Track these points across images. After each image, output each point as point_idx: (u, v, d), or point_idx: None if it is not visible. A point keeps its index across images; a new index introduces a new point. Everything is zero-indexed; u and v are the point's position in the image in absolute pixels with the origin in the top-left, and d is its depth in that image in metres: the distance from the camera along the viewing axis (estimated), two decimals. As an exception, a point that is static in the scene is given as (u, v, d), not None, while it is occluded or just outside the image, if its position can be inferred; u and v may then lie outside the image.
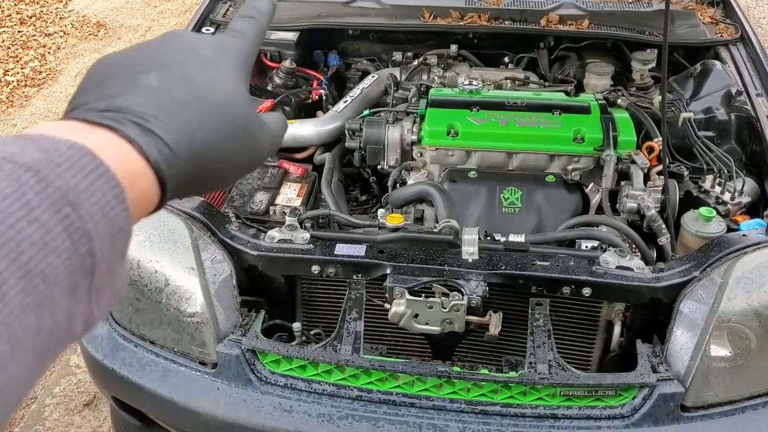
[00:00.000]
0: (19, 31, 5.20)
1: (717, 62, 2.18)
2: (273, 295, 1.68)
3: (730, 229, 1.66)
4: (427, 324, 1.51)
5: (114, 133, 0.45)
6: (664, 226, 1.68)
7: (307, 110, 2.28)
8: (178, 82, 0.49)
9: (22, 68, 4.78)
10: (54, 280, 0.38)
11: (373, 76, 2.32)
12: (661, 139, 1.86)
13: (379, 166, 2.03)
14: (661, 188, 1.77)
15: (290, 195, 1.87)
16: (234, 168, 0.53)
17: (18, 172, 0.38)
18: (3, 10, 5.39)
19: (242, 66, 0.55)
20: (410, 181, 1.94)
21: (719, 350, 1.42)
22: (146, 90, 0.48)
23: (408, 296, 1.49)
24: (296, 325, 1.62)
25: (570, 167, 1.89)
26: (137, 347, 1.62)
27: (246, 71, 0.55)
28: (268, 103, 2.13)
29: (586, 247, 1.67)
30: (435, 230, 1.62)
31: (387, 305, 1.53)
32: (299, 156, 2.10)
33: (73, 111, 0.48)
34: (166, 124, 0.47)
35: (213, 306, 1.53)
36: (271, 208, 1.81)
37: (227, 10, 2.51)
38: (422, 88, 2.14)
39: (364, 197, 2.18)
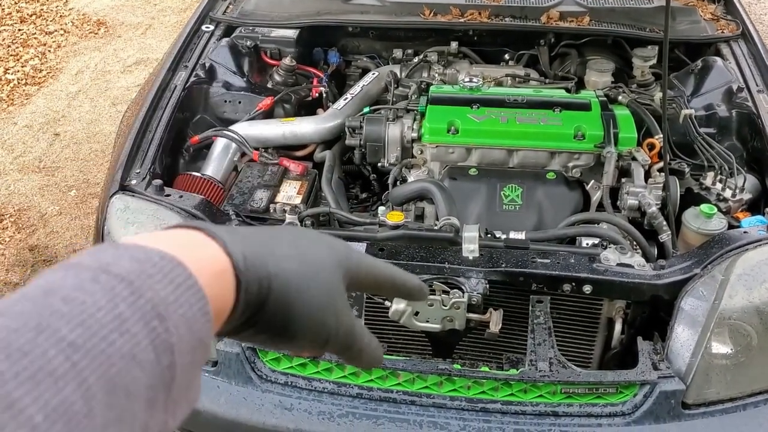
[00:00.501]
0: (19, 30, 5.20)
1: (718, 59, 2.18)
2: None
3: (731, 226, 1.65)
4: (427, 322, 1.51)
5: (201, 233, 0.47)
6: (665, 223, 1.68)
7: (307, 108, 2.27)
8: (285, 239, 0.52)
9: (22, 66, 4.77)
10: (136, 394, 0.38)
11: (373, 74, 2.31)
12: (661, 136, 1.85)
13: (379, 164, 2.03)
14: (661, 185, 1.77)
15: (290, 193, 1.87)
16: (303, 320, 0.51)
17: (112, 283, 0.39)
18: (3, 8, 5.39)
19: (342, 266, 0.54)
20: (410, 179, 1.93)
21: (720, 347, 1.41)
22: (259, 233, 0.51)
23: (408, 294, 1.48)
24: (297, 323, 1.62)
25: (570, 164, 1.88)
26: (137, 345, 1.62)
27: (343, 279, 0.54)
28: (268, 100, 2.13)
29: (587, 244, 1.67)
30: (435, 228, 1.62)
31: (387, 303, 1.53)
32: (299, 154, 2.10)
33: None
34: (252, 239, 0.50)
35: (213, 304, 1.52)
36: (271, 205, 1.81)
37: (227, 7, 2.51)
38: (422, 86, 2.13)
39: (364, 195, 2.17)
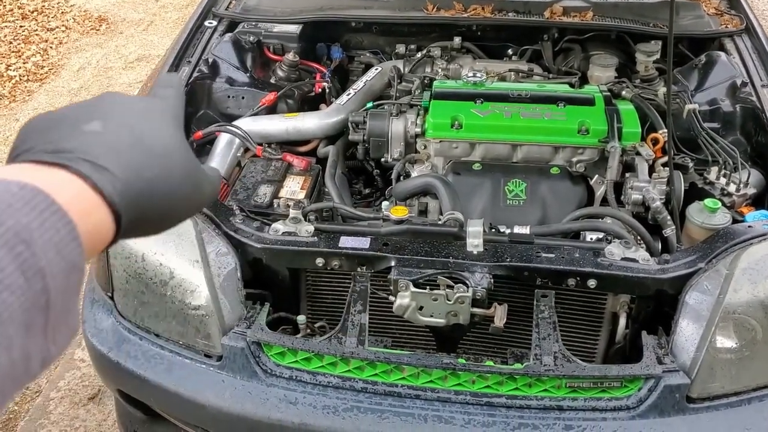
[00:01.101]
0: (21, 26, 5.20)
1: (722, 53, 2.17)
2: (277, 287, 1.68)
3: (735, 221, 1.65)
4: (431, 316, 1.51)
5: (66, 171, 0.46)
6: (669, 217, 1.68)
7: (311, 103, 2.27)
8: (120, 129, 0.52)
9: (24, 63, 4.77)
10: (9, 318, 0.38)
11: (376, 69, 2.31)
12: (665, 130, 1.85)
13: (382, 159, 2.03)
14: (666, 180, 1.77)
15: (294, 188, 1.87)
16: (180, 208, 0.56)
17: None
18: (5, 5, 5.38)
19: (174, 120, 0.58)
20: (414, 174, 1.93)
21: (725, 341, 1.41)
22: (92, 134, 0.50)
23: (412, 288, 1.49)
24: (301, 318, 1.62)
25: (574, 159, 1.88)
26: (142, 340, 1.62)
27: (178, 125, 0.58)
28: (271, 96, 2.12)
29: (591, 239, 1.67)
30: (439, 222, 1.62)
31: (392, 298, 1.53)
32: (303, 149, 2.10)
33: (18, 157, 0.48)
34: (116, 162, 0.49)
35: (218, 299, 1.53)
36: (275, 201, 1.81)
37: (230, 2, 2.50)
38: (426, 81, 2.13)
39: (367, 190, 2.17)
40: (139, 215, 0.50)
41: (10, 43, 4.97)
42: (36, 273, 0.39)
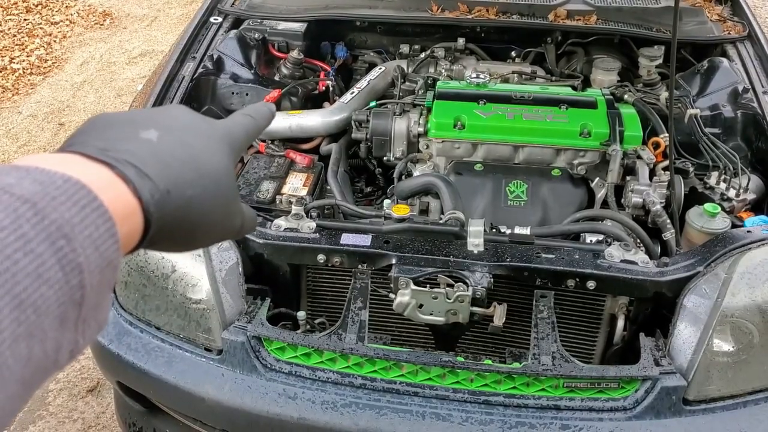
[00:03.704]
0: (25, 19, 5.21)
1: (724, 59, 2.18)
2: (278, 283, 1.69)
3: (734, 226, 1.66)
4: (431, 314, 1.52)
5: (111, 171, 0.47)
6: (668, 221, 1.69)
7: (314, 101, 2.28)
8: (176, 143, 0.52)
9: (27, 56, 4.78)
10: (45, 311, 0.39)
11: (380, 68, 2.32)
12: (667, 135, 1.86)
13: (384, 158, 2.04)
14: (666, 184, 1.78)
15: (296, 184, 1.88)
16: (210, 233, 0.56)
17: (15, 204, 0.39)
18: (9, -2, 5.39)
19: (233, 150, 0.58)
20: (416, 173, 1.94)
21: (722, 345, 1.42)
22: (146, 142, 0.50)
23: (413, 286, 1.50)
24: (301, 314, 1.63)
25: (576, 161, 1.89)
26: (143, 333, 1.63)
27: (235, 157, 0.58)
28: (275, 93, 2.14)
29: (591, 241, 1.68)
30: (441, 222, 1.63)
31: (392, 295, 1.54)
32: (306, 146, 2.11)
33: (70, 147, 0.49)
34: (161, 173, 0.49)
35: (219, 293, 1.54)
36: (277, 197, 1.82)
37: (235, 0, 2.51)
38: (429, 81, 2.14)
39: (369, 189, 2.18)
40: (166, 230, 0.50)
41: (14, 36, 4.98)
42: (74, 268, 0.40)
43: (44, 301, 0.38)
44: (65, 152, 0.47)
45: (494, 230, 1.68)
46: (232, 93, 2.15)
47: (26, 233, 0.38)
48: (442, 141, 1.92)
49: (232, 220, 0.58)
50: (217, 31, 2.33)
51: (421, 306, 1.51)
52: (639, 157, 1.85)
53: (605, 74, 2.21)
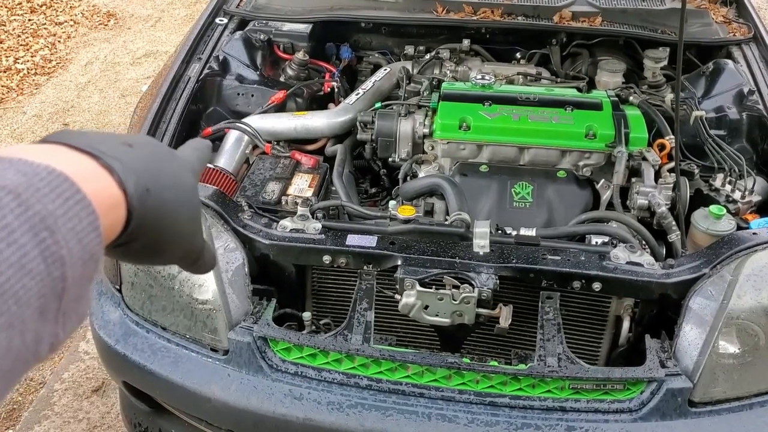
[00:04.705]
0: (29, 20, 5.22)
1: (729, 61, 2.18)
2: (284, 284, 1.69)
3: (740, 228, 1.66)
4: (437, 316, 1.52)
5: (96, 162, 0.47)
6: (674, 223, 1.69)
7: (319, 102, 2.28)
8: (151, 154, 0.54)
9: (32, 56, 4.79)
10: (26, 302, 0.39)
11: (385, 69, 2.32)
12: (672, 136, 1.86)
13: (390, 159, 2.04)
14: (671, 185, 1.78)
15: (302, 185, 1.88)
16: (177, 243, 0.57)
17: None
18: (14, -2, 5.41)
19: (194, 173, 0.61)
20: (421, 174, 1.94)
21: (728, 347, 1.42)
22: (124, 147, 0.52)
23: (418, 288, 1.50)
24: (306, 315, 1.63)
25: (581, 163, 1.89)
26: (149, 333, 1.63)
27: (196, 180, 0.61)
28: (281, 94, 2.14)
29: (597, 242, 1.68)
30: (446, 223, 1.63)
31: (397, 296, 1.54)
32: (311, 147, 2.11)
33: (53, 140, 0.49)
34: (142, 172, 0.51)
35: (225, 294, 1.54)
36: (283, 198, 1.82)
37: (241, 0, 2.52)
38: (434, 82, 2.14)
39: (373, 190, 2.18)
40: (141, 230, 0.51)
41: (19, 36, 4.99)
42: (56, 260, 0.40)
43: (25, 293, 0.38)
44: (49, 143, 0.48)
45: (500, 232, 1.68)
46: (238, 94, 2.15)
47: (9, 224, 0.38)
48: (448, 142, 1.92)
49: (196, 237, 0.60)
50: (223, 32, 2.34)
51: (426, 307, 1.51)
52: (644, 158, 1.85)
53: (610, 76, 2.22)
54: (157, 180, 0.52)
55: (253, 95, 2.15)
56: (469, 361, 1.47)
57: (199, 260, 0.63)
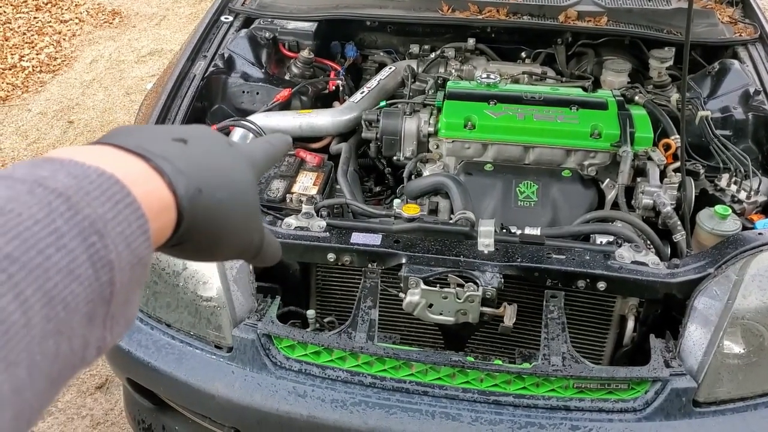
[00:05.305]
0: (34, 17, 5.23)
1: (735, 61, 2.18)
2: (288, 281, 1.69)
3: (745, 228, 1.66)
4: (441, 314, 1.52)
5: (146, 164, 0.47)
6: (679, 223, 1.69)
7: (324, 100, 2.29)
8: (205, 151, 0.53)
9: (37, 54, 4.80)
10: (74, 308, 0.38)
11: (390, 68, 2.32)
12: (678, 136, 1.86)
13: (394, 158, 2.04)
14: (677, 185, 1.78)
15: (306, 183, 1.88)
16: (231, 242, 0.55)
17: (49, 198, 0.39)
18: (19, -4, 5.42)
19: (255, 168, 0.59)
20: (426, 173, 1.94)
21: (732, 347, 1.42)
22: (177, 145, 0.51)
23: (423, 286, 1.50)
24: (310, 313, 1.63)
25: (586, 162, 1.89)
26: (153, 329, 1.64)
27: (256, 176, 0.59)
28: (286, 92, 2.14)
29: (601, 242, 1.68)
30: (451, 221, 1.63)
31: (402, 294, 1.54)
32: (316, 145, 2.11)
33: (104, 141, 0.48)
34: (194, 172, 0.49)
35: (230, 291, 1.54)
36: (287, 195, 1.82)
37: (246, -1, 2.52)
38: (440, 81, 2.14)
39: (378, 188, 2.19)
40: (194, 231, 0.50)
41: (24, 34, 5.01)
42: (105, 265, 0.40)
43: (74, 298, 0.38)
44: (100, 144, 0.47)
45: (504, 230, 1.68)
46: (243, 92, 2.16)
47: (59, 228, 0.38)
48: (453, 141, 1.92)
49: (252, 235, 0.58)
50: (228, 30, 2.34)
51: (431, 305, 1.51)
52: (650, 158, 1.85)
53: (616, 75, 2.21)
54: (210, 179, 0.50)
55: (258, 93, 2.16)
56: (473, 359, 1.47)
57: (260, 254, 0.61)
